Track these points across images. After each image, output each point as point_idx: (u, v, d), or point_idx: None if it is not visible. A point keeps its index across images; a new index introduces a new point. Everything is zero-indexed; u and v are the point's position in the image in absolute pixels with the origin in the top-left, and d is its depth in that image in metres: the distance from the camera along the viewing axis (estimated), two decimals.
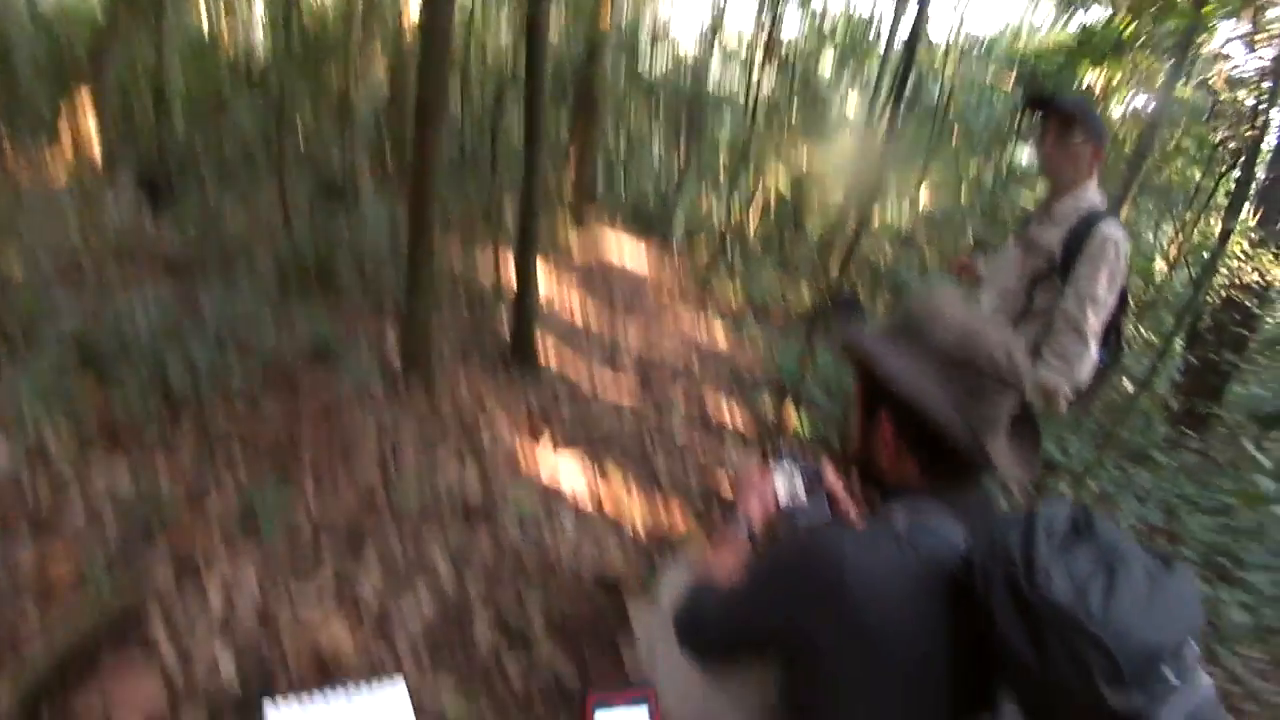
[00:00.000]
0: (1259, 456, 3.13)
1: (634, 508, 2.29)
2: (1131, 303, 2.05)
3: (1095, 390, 1.85)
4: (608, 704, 0.66)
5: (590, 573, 1.93)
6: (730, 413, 3.30)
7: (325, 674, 1.54)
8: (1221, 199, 4.84)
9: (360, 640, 1.61)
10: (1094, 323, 1.68)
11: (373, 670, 1.54)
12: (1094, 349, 1.70)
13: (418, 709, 1.55)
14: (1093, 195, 1.73)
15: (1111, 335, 1.79)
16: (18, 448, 1.91)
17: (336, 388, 2.50)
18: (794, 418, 3.14)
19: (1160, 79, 4.92)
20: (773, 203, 7.44)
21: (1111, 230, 1.65)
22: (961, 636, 0.79)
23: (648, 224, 6.50)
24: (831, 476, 1.15)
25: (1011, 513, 0.83)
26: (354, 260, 3.54)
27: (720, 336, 4.43)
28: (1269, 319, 4.01)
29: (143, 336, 2.35)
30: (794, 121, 8.07)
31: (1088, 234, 1.66)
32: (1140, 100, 6.13)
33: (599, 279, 4.95)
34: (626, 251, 5.80)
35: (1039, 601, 0.66)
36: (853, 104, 9.51)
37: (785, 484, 1.13)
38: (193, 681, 1.48)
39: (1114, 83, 5.88)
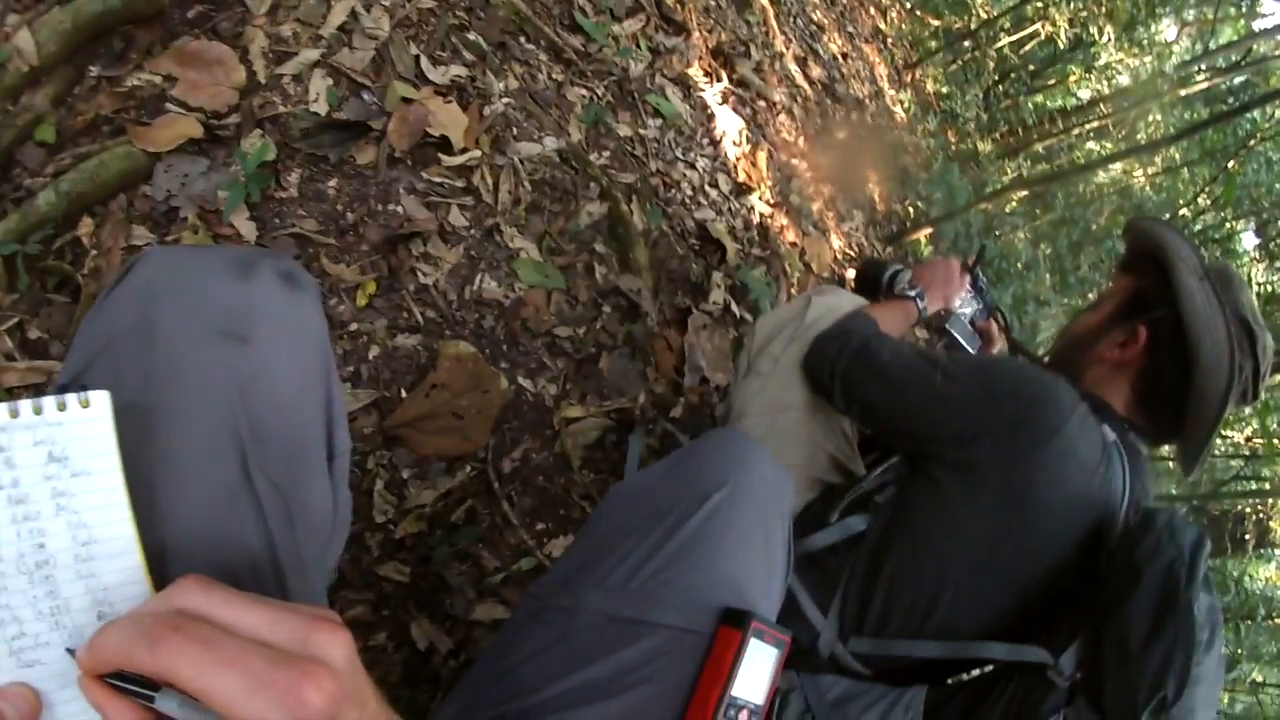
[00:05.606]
0: None
1: (761, 197, 2.06)
2: None
3: None
4: (761, 636, 0.61)
5: (697, 222, 1.75)
6: (874, 188, 2.96)
7: (432, 151, 1.38)
8: None
9: (471, 136, 1.43)
10: None
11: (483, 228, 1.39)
12: None
13: (501, 245, 1.48)
14: None
15: None
16: None
17: None
18: (922, 242, 2.85)
19: None
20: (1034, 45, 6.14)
21: None
22: (1076, 565, 0.78)
23: None
24: (996, 322, 1.19)
25: (1176, 508, 0.77)
26: None
27: (899, 112, 3.88)
28: None
29: None
30: None
31: None
32: None
33: None
34: None
35: (1185, 607, 0.66)
36: None
37: (969, 295, 1.16)
38: (276, 91, 1.31)
39: None
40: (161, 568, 0.40)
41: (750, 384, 1.05)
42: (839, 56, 3.03)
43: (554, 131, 1.53)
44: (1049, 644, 0.76)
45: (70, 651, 0.36)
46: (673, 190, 1.71)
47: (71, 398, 0.37)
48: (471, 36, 1.59)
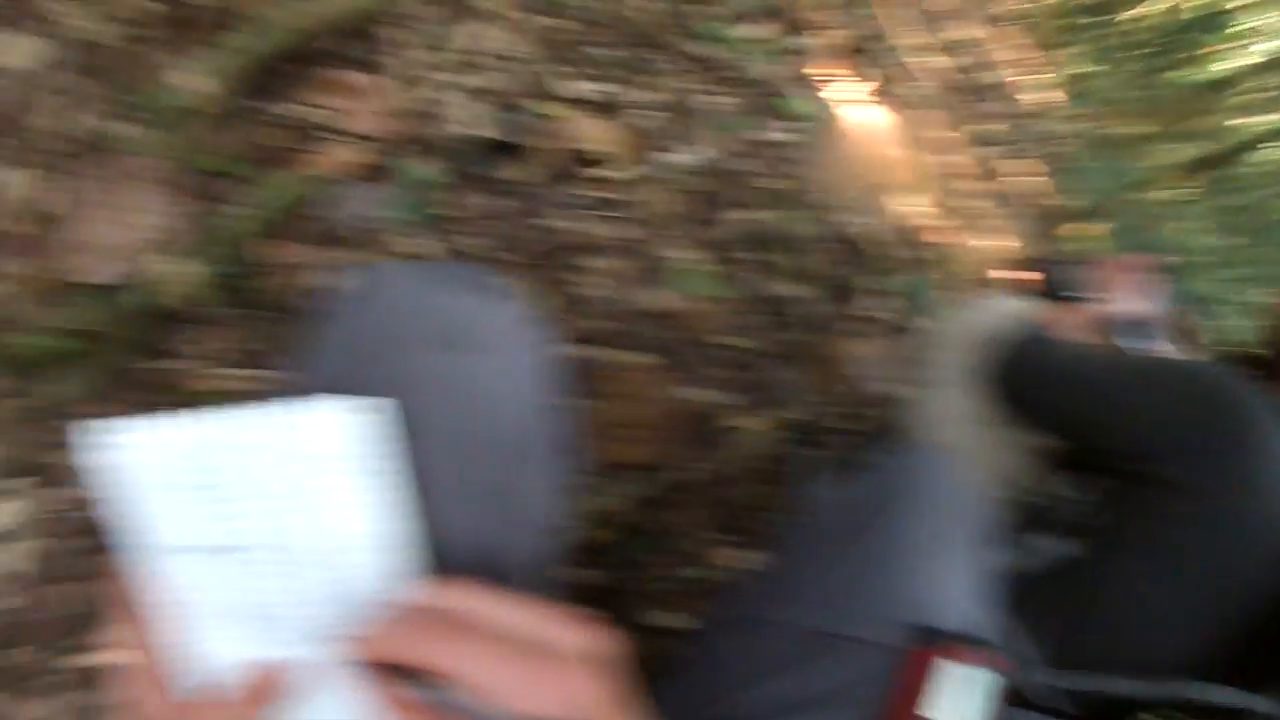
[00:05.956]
0: None
1: (913, 198, 1.96)
2: None
3: None
4: (962, 657, 0.56)
5: (849, 227, 1.68)
6: (1028, 180, 2.75)
7: (580, 166, 1.41)
8: None
9: (617, 148, 1.45)
10: None
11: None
12: None
13: (657, 255, 1.50)
14: None
15: None
16: None
17: None
18: (1089, 238, 2.61)
19: None
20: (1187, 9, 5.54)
21: None
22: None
23: None
24: (1181, 323, 1.11)
25: None
26: None
27: (1045, 97, 3.59)
28: None
29: None
30: None
31: None
32: None
33: None
34: None
35: None
36: None
37: (1147, 295, 1.10)
38: (423, 115, 1.37)
39: None
40: None
41: (923, 395, 1.02)
42: (975, 43, 2.87)
43: (696, 140, 1.52)
44: (1256, 685, 0.68)
45: (334, 639, 0.38)
46: (819, 195, 1.67)
47: (325, 402, 0.38)
48: (606, 51, 1.62)
